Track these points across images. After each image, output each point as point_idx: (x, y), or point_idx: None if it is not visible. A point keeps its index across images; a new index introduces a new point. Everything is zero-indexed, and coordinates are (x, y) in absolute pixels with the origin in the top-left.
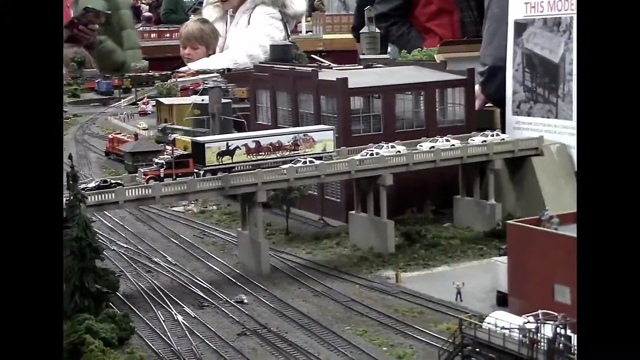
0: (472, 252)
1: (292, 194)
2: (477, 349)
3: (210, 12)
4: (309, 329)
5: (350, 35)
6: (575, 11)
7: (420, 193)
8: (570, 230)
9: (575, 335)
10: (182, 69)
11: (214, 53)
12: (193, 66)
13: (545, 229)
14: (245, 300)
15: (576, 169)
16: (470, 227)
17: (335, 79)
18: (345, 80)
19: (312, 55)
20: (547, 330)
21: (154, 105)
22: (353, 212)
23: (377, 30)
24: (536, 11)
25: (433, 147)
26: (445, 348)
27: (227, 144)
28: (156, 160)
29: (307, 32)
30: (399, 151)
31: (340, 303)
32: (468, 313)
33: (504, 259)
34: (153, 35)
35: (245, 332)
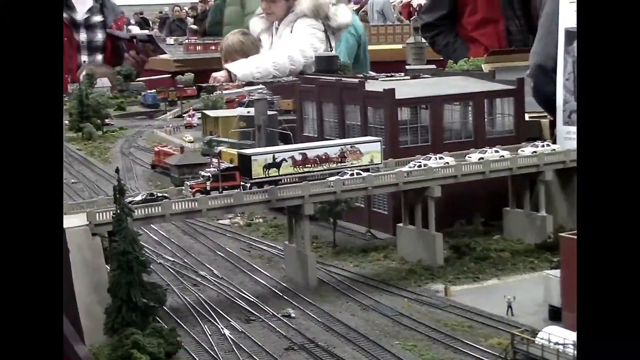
0: (523, 265)
1: (339, 206)
2: None
3: (256, 23)
4: (357, 344)
5: (395, 46)
6: None
7: (469, 205)
8: None
9: None
10: (218, 73)
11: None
12: (231, 67)
13: None
14: (293, 314)
15: (577, 166)
16: (520, 239)
17: (382, 90)
18: (392, 91)
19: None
20: None
21: (199, 118)
22: (401, 224)
23: (424, 41)
24: None
25: (482, 158)
26: None
27: (274, 156)
28: (203, 173)
29: None
30: (447, 163)
31: (388, 317)
32: (519, 327)
33: (556, 272)
34: (198, 47)
35: (293, 347)
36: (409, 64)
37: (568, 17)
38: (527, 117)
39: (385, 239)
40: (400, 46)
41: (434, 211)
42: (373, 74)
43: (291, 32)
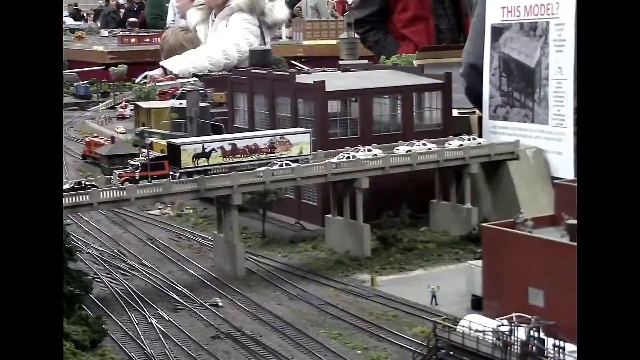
0: (448, 256)
1: (268, 197)
2: (451, 352)
3: (193, 14)
4: (283, 332)
5: (329, 41)
6: (551, 16)
7: (396, 197)
8: (545, 233)
9: (548, 338)
10: (154, 72)
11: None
12: (166, 64)
13: (520, 232)
14: (220, 304)
15: (575, 171)
16: (446, 231)
17: (312, 82)
18: (322, 83)
19: (292, 62)
20: (521, 333)
21: (132, 109)
22: (329, 215)
23: (356, 36)
24: (513, 16)
25: (409, 150)
26: (419, 351)
27: (203, 146)
28: (131, 162)
29: (287, 37)
30: (376, 155)
31: (315, 306)
32: (442, 316)
33: (479, 262)
34: (133, 40)
35: (219, 335)
36: (342, 59)
37: (494, 13)
38: (456, 112)
39: (315, 230)
40: (334, 42)
41: (362, 203)
42: (306, 68)
43: (226, 26)
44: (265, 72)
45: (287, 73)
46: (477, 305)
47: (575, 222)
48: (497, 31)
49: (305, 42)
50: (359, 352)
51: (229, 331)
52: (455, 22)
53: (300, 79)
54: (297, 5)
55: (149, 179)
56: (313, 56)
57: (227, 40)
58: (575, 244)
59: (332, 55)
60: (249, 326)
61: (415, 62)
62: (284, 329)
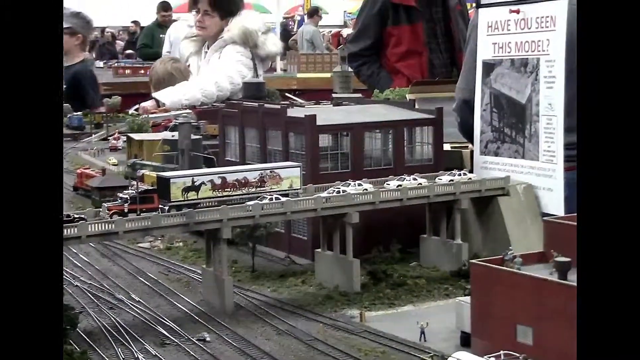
0: (438, 292)
1: (258, 231)
2: None
3: (187, 45)
4: None
5: (324, 74)
6: (541, 52)
7: (387, 232)
8: (534, 271)
9: None
10: (146, 103)
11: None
12: (158, 95)
13: (508, 269)
14: (208, 339)
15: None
16: (436, 266)
17: (303, 116)
18: (313, 117)
19: (286, 94)
20: None
21: (125, 141)
22: (319, 250)
23: (350, 69)
24: (504, 52)
25: (400, 185)
26: None
27: (193, 179)
28: (120, 195)
29: (282, 70)
30: (366, 189)
31: (303, 342)
32: (430, 353)
33: (469, 298)
34: (127, 71)
35: None
36: (336, 92)
37: (485, 49)
38: (448, 147)
39: (304, 265)
40: (328, 75)
41: (351, 237)
42: (300, 101)
43: (219, 58)
44: (256, 105)
45: (279, 107)
46: (466, 342)
47: (563, 259)
48: (489, 67)
49: (300, 75)
50: None
51: None
52: (449, 57)
53: (292, 112)
54: (293, 38)
55: (138, 212)
56: (307, 89)
57: (219, 72)
58: (563, 281)
59: (327, 88)
60: None
61: (408, 97)
62: None
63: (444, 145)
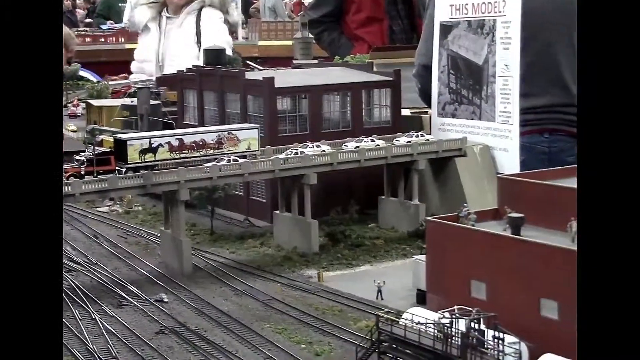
0: (396, 252)
1: (216, 193)
2: (394, 345)
3: (143, 12)
4: (228, 327)
5: (285, 42)
6: (498, 14)
7: (345, 194)
8: (488, 227)
9: (488, 330)
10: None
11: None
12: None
13: (463, 225)
14: (166, 299)
15: (576, 168)
16: (394, 227)
17: (261, 79)
18: (271, 79)
19: (247, 62)
20: (461, 325)
21: (84, 108)
22: (277, 212)
23: (311, 36)
24: (461, 13)
25: (358, 147)
26: (362, 345)
27: (150, 141)
28: (77, 157)
29: (243, 38)
30: (324, 150)
31: (261, 302)
32: (385, 310)
33: (424, 257)
34: (88, 39)
35: (164, 331)
36: (297, 59)
37: (443, 11)
38: (409, 112)
39: (263, 227)
40: (290, 42)
41: (310, 199)
42: (261, 68)
43: (197, 23)
44: (214, 68)
45: (237, 70)
46: (422, 299)
47: (516, 215)
48: (446, 29)
49: (261, 43)
50: (303, 346)
51: (173, 327)
52: (409, 24)
53: (250, 75)
54: (254, 6)
55: (95, 174)
56: (269, 56)
57: (220, 36)
58: (516, 236)
59: (288, 55)
60: (193, 321)
61: (368, 63)
62: (228, 324)
63: (405, 110)
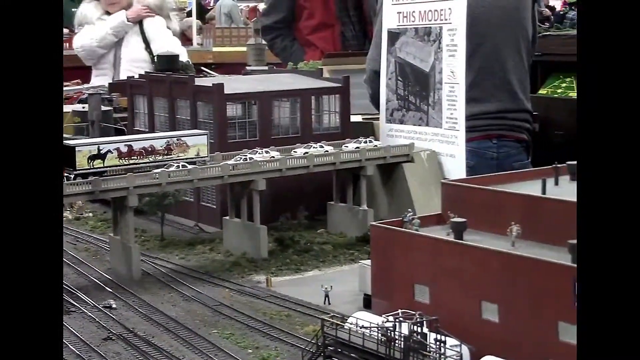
0: (344, 257)
1: (166, 200)
2: (339, 349)
3: (92, 10)
4: (176, 333)
5: (240, 48)
6: (444, 21)
7: (294, 199)
8: (432, 232)
9: (430, 332)
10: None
11: None
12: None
13: (407, 230)
14: (114, 305)
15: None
16: (343, 232)
17: (211, 85)
18: (221, 85)
19: (202, 68)
20: (404, 329)
21: None
22: (227, 217)
23: (264, 42)
24: (408, 21)
25: (306, 152)
26: (308, 349)
27: (99, 147)
28: None
29: (198, 44)
30: (273, 156)
31: (209, 307)
32: (330, 314)
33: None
34: None
35: (111, 337)
36: (250, 65)
37: (391, 18)
38: (360, 118)
39: (213, 233)
40: (244, 48)
41: (259, 204)
42: (214, 74)
43: (142, 29)
44: (164, 75)
45: (187, 76)
46: (368, 303)
47: (459, 219)
48: (394, 36)
49: (216, 49)
50: (250, 351)
51: (121, 333)
52: (361, 30)
53: (200, 81)
54: (210, 12)
55: None
56: (223, 62)
57: (172, 42)
58: (457, 241)
59: (243, 61)
60: (141, 327)
61: (323, 70)
62: (176, 329)
63: (357, 117)
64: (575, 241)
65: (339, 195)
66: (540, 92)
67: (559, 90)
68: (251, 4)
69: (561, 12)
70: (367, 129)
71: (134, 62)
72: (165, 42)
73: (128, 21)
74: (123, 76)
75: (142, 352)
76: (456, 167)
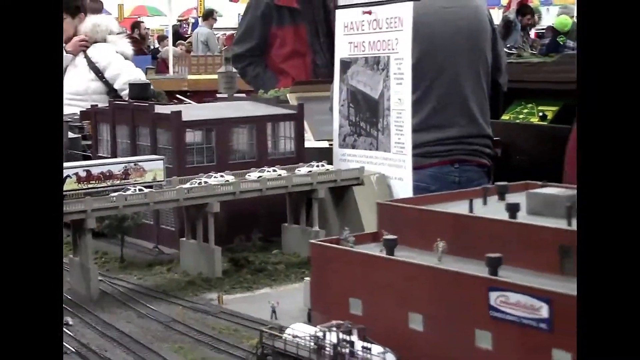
0: (295, 276)
1: (126, 222)
2: (276, 358)
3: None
4: (128, 347)
5: (215, 76)
6: (391, 51)
7: (249, 222)
8: (367, 249)
9: (358, 340)
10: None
11: None
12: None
13: (342, 247)
14: (71, 322)
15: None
16: (297, 253)
17: (169, 112)
18: (179, 113)
19: (177, 95)
20: (334, 337)
21: None
22: (184, 239)
23: (234, 70)
24: (359, 50)
25: (260, 176)
26: (248, 359)
27: None
28: None
29: (174, 72)
30: (227, 180)
31: (162, 323)
32: (268, 326)
33: None
34: None
35: (66, 352)
36: (220, 93)
37: (342, 48)
38: (327, 144)
39: (172, 254)
40: None
41: (213, 226)
42: (189, 101)
43: (88, 60)
44: (126, 102)
45: (147, 104)
46: (311, 317)
47: (390, 237)
48: (345, 65)
49: (190, 77)
50: None
51: (76, 348)
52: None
53: (159, 109)
54: (188, 40)
55: None
56: (198, 90)
57: (126, 65)
58: (387, 256)
59: (216, 89)
60: (96, 342)
61: (289, 96)
62: (129, 344)
63: (323, 142)
64: (493, 254)
65: (292, 217)
66: (502, 117)
67: (521, 116)
68: (228, 33)
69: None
70: (331, 155)
71: (75, 95)
72: (119, 67)
73: (67, 53)
74: (67, 111)
75: None
76: (404, 189)
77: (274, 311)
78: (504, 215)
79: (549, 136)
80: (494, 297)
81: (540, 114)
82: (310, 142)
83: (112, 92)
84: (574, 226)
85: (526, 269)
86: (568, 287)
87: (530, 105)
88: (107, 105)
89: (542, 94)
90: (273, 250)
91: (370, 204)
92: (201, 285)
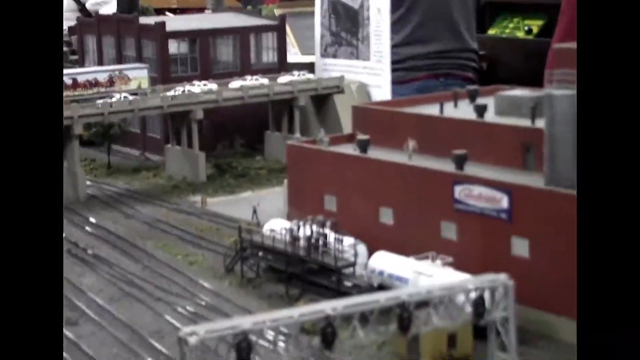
0: (276, 180)
1: (112, 130)
2: (254, 251)
3: None
4: (114, 244)
5: None
6: None
7: (233, 130)
8: (341, 149)
9: (330, 232)
10: None
11: None
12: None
13: (317, 147)
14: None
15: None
16: (279, 159)
17: (153, 23)
18: (162, 24)
19: (165, 11)
20: (308, 230)
21: None
22: (169, 145)
23: None
24: None
25: (243, 85)
26: (228, 253)
27: None
28: None
29: None
30: (210, 88)
31: (147, 223)
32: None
33: None
34: None
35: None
36: (208, 9)
37: None
38: (307, 58)
39: (157, 160)
40: None
41: (197, 132)
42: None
43: None
44: (111, 14)
45: (131, 15)
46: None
47: (363, 137)
48: None
49: None
50: (180, 257)
51: (67, 248)
52: None
53: (143, 20)
54: None
55: None
56: (187, 7)
57: None
58: (360, 155)
59: (205, 6)
60: (84, 240)
61: (276, 12)
62: (115, 241)
63: (310, 56)
64: (459, 151)
65: (274, 125)
66: (489, 32)
67: (507, 31)
68: None
69: None
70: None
71: None
72: None
73: None
74: None
75: (83, 260)
76: (382, 97)
77: (255, 211)
78: (472, 116)
79: (534, 50)
80: (459, 191)
81: (526, 28)
82: (297, 56)
83: (83, 10)
84: (537, 125)
85: (491, 165)
86: (528, 179)
87: (516, 19)
88: (93, 17)
89: (527, 8)
90: (256, 157)
91: (350, 111)
92: (185, 189)
